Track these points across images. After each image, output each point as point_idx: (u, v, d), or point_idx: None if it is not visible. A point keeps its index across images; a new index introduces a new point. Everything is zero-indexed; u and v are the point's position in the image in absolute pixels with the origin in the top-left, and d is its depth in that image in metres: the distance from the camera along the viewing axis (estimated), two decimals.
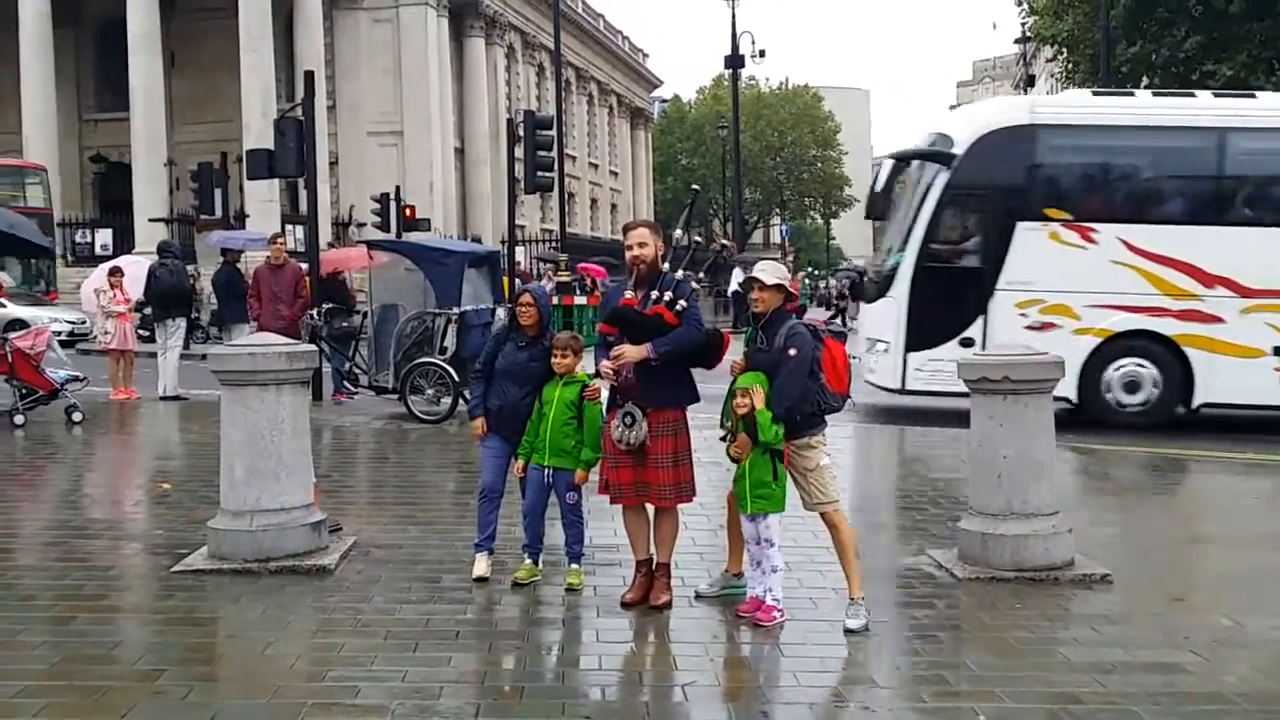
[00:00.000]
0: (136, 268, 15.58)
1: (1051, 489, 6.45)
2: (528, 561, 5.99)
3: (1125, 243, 11.67)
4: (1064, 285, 11.56)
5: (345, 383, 13.88)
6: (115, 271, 14.33)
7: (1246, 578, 6.39)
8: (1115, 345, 11.63)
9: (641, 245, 5.62)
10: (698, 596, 5.76)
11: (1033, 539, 6.28)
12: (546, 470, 5.81)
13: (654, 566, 5.74)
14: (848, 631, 5.26)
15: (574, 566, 5.92)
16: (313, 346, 7.11)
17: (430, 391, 12.00)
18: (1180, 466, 10.00)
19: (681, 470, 5.65)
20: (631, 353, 5.51)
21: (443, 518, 7.16)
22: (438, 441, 10.99)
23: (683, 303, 5.53)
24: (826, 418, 5.58)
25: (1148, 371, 11.65)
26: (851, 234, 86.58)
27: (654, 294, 5.56)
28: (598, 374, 5.81)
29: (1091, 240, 11.61)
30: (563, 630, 5.34)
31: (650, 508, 5.74)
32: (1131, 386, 11.66)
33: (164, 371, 13.93)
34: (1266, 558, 6.84)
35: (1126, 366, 11.68)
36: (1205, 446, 10.74)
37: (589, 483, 5.87)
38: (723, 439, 5.55)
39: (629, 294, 5.66)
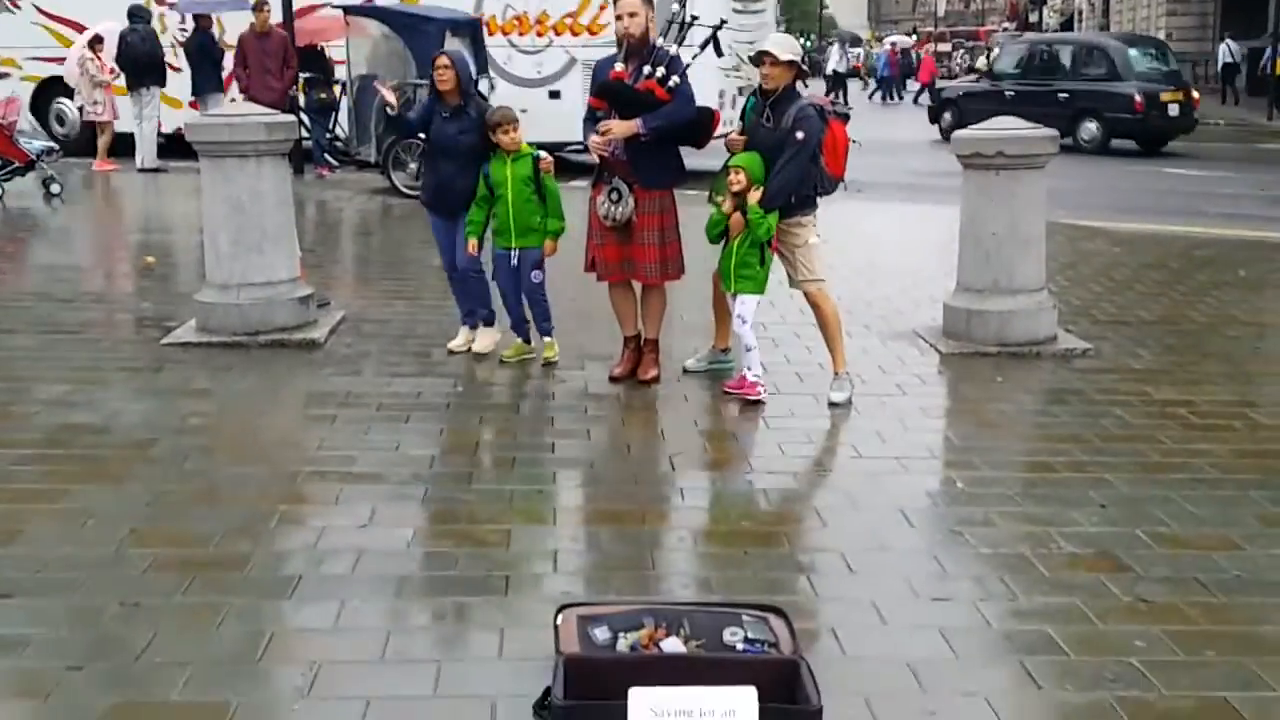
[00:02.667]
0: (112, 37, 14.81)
1: (1039, 265, 6.42)
2: (517, 340, 5.96)
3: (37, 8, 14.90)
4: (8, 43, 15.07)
5: (326, 156, 13.54)
6: (96, 41, 13.63)
7: (1230, 354, 6.43)
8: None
9: (632, 15, 5.32)
10: (685, 372, 5.78)
11: (1017, 314, 6.29)
12: (513, 252, 5.72)
13: (642, 342, 5.74)
14: (832, 404, 5.32)
15: (547, 340, 5.90)
16: (292, 117, 6.85)
17: (414, 166, 11.70)
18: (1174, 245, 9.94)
19: (668, 248, 5.57)
20: (620, 128, 5.31)
21: (430, 293, 7.10)
22: (422, 216, 10.72)
23: (675, 79, 5.29)
24: (819, 199, 5.45)
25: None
26: (845, 6, 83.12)
27: (645, 69, 5.30)
28: (585, 149, 5.64)
29: (17, 6, 15.21)
30: (552, 403, 5.36)
31: (638, 284, 5.68)
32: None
33: (141, 143, 13.49)
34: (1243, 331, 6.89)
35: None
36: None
37: (559, 262, 5.81)
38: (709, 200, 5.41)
39: (619, 67, 5.40)
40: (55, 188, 11.51)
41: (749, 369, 5.35)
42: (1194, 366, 6.14)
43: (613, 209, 5.40)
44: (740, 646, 2.96)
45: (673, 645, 2.95)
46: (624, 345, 5.79)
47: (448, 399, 5.38)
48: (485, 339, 6.09)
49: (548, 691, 2.77)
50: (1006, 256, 6.28)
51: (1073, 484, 4.44)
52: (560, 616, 3.06)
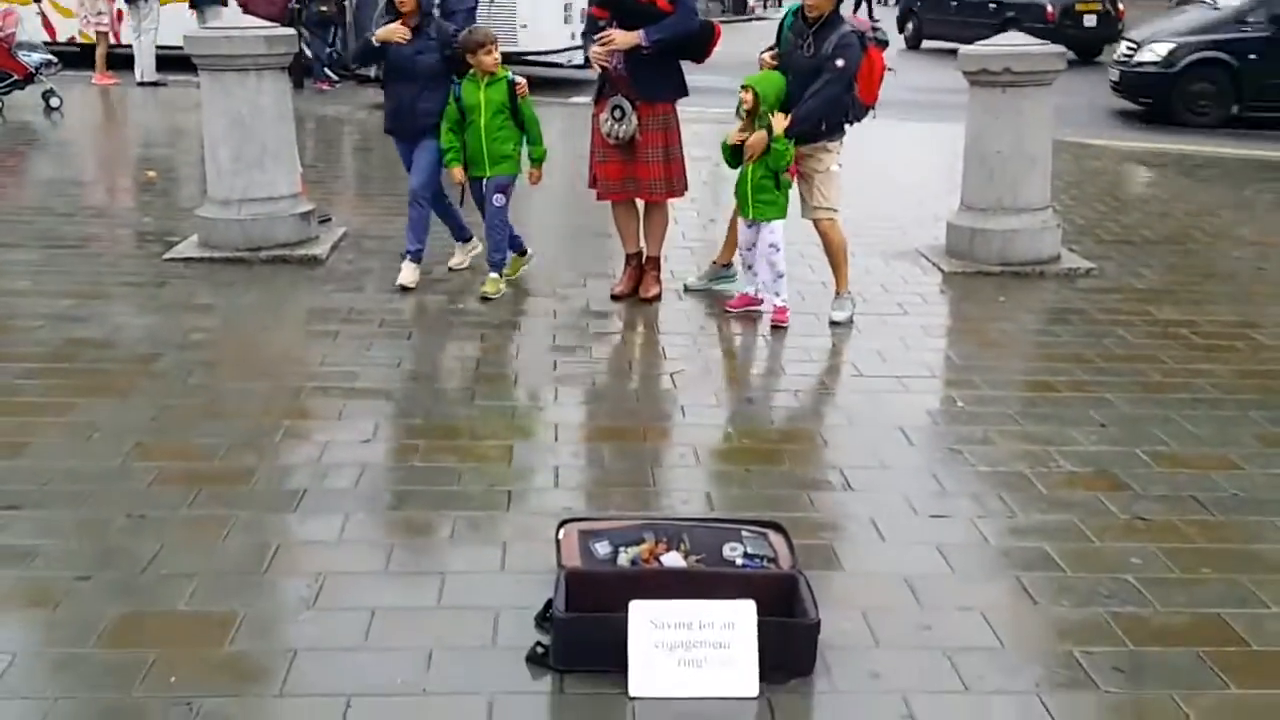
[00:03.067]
0: None
1: (1044, 183, 6.33)
2: (492, 274, 5.57)
3: None
4: None
5: (327, 70, 13.31)
6: None
7: (1233, 274, 6.38)
8: None
9: None
10: (686, 290, 5.73)
11: (1021, 234, 6.23)
12: (487, 182, 5.46)
13: (643, 260, 5.69)
14: (833, 323, 5.29)
15: (493, 275, 5.55)
16: (292, 31, 6.69)
17: None
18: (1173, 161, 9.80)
19: (672, 165, 5.48)
20: (621, 39, 5.19)
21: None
22: None
23: None
24: (848, 127, 5.32)
25: None
26: None
27: None
28: (588, 62, 5.53)
29: None
30: (554, 320, 5.33)
31: (640, 202, 5.61)
32: None
33: (140, 56, 13.25)
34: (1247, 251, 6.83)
35: None
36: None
37: (556, 180, 5.68)
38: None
39: None
40: (55, 101, 11.33)
41: (779, 295, 5.21)
42: (1197, 286, 6.09)
43: (616, 126, 5.30)
44: (739, 561, 2.97)
45: (673, 560, 2.97)
46: (626, 263, 5.74)
47: (449, 316, 5.35)
48: (460, 255, 5.99)
49: (549, 604, 2.78)
50: (1011, 175, 6.20)
51: (1073, 403, 4.43)
52: (561, 531, 3.07)
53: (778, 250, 5.19)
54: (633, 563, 2.95)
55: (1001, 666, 2.74)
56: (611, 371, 4.76)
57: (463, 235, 6.00)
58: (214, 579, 3.02)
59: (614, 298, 5.60)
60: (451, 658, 2.69)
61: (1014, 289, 5.93)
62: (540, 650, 2.69)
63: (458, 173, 5.48)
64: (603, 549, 2.99)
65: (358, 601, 2.94)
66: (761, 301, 5.36)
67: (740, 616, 2.63)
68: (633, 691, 2.55)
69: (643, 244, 5.69)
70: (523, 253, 5.87)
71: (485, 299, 5.50)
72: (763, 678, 2.58)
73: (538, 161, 5.51)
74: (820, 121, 5.12)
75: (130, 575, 3.03)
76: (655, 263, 5.68)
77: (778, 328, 5.17)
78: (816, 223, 5.38)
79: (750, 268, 5.37)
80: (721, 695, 2.56)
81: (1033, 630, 2.91)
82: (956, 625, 2.90)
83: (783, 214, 5.20)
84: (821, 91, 5.03)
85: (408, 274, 5.69)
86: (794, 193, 5.31)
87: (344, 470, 3.70)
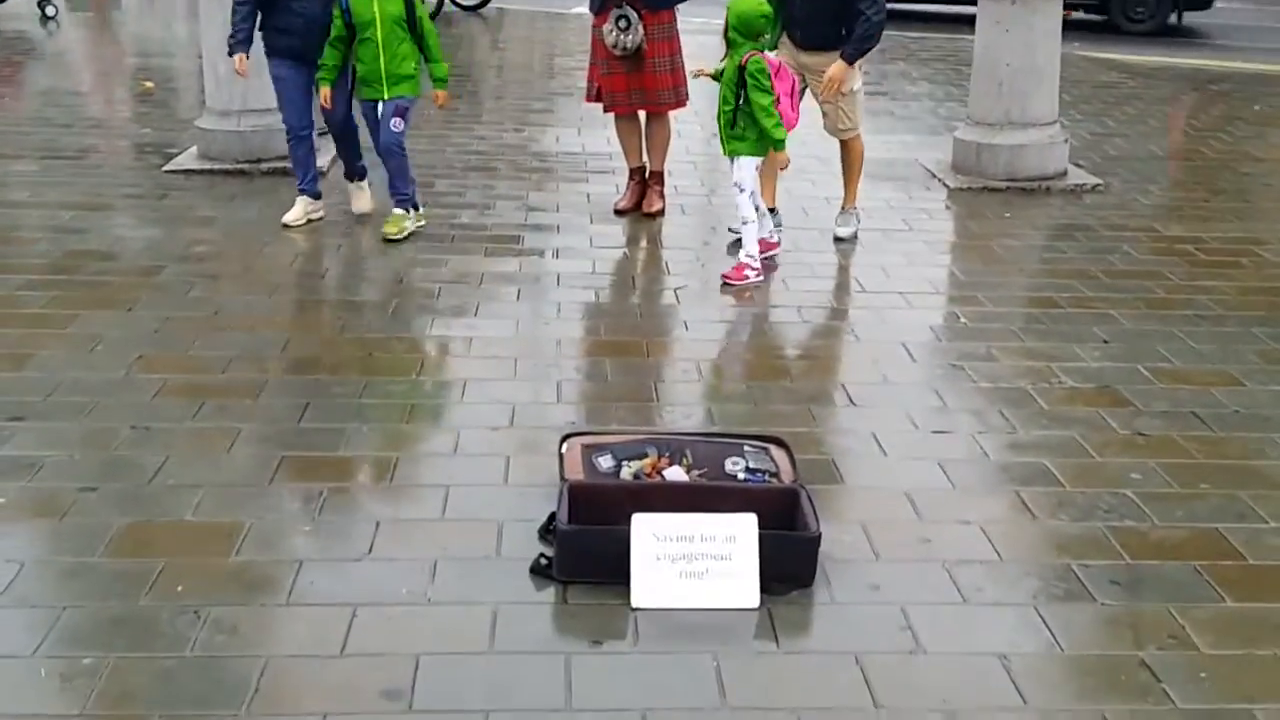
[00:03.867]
0: None
1: (1052, 98, 6.20)
2: (396, 211, 5.05)
3: None
4: None
5: None
6: None
7: (1241, 190, 6.29)
8: None
9: None
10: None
11: (1028, 149, 6.12)
12: (383, 105, 4.90)
13: (647, 174, 5.60)
14: (837, 239, 5.22)
15: (397, 211, 5.00)
16: None
17: None
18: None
19: (678, 73, 5.36)
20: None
21: (430, 123, 6.89)
22: None
23: None
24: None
25: None
26: None
27: None
28: None
29: None
30: (557, 235, 5.27)
31: (643, 115, 5.49)
32: None
33: None
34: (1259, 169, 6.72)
35: None
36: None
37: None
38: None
39: None
40: (51, 10, 11.08)
41: (743, 248, 4.66)
42: (1204, 203, 6.00)
43: (622, 37, 5.16)
44: (741, 475, 2.97)
45: (675, 474, 2.96)
46: (629, 178, 5.65)
47: (451, 231, 5.28)
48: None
49: (552, 516, 2.78)
50: (1020, 89, 6.06)
51: (1076, 319, 4.39)
52: (565, 445, 3.07)
53: (742, 190, 4.65)
54: (635, 477, 2.95)
55: (999, 579, 2.74)
56: (615, 286, 4.72)
57: (313, 186, 5.25)
58: (220, 490, 3.02)
59: (617, 213, 5.52)
60: (456, 569, 2.70)
61: (1020, 205, 5.85)
62: (543, 562, 2.69)
63: (325, 94, 4.91)
64: (606, 463, 2.99)
65: (362, 513, 2.94)
66: (777, 244, 4.97)
67: (742, 530, 2.62)
68: (635, 603, 2.56)
69: (645, 159, 5.59)
70: (415, 207, 5.13)
71: (388, 240, 4.90)
72: (764, 589, 2.59)
73: (441, 81, 4.93)
74: (872, 46, 4.89)
75: (136, 486, 3.03)
76: (659, 177, 5.59)
77: (727, 284, 4.59)
78: (844, 142, 5.21)
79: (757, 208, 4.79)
80: (723, 607, 2.57)
81: (1031, 544, 2.91)
82: (956, 538, 2.90)
83: (754, 151, 4.63)
84: (873, 18, 4.76)
85: (360, 200, 5.29)
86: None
87: (348, 384, 3.67)
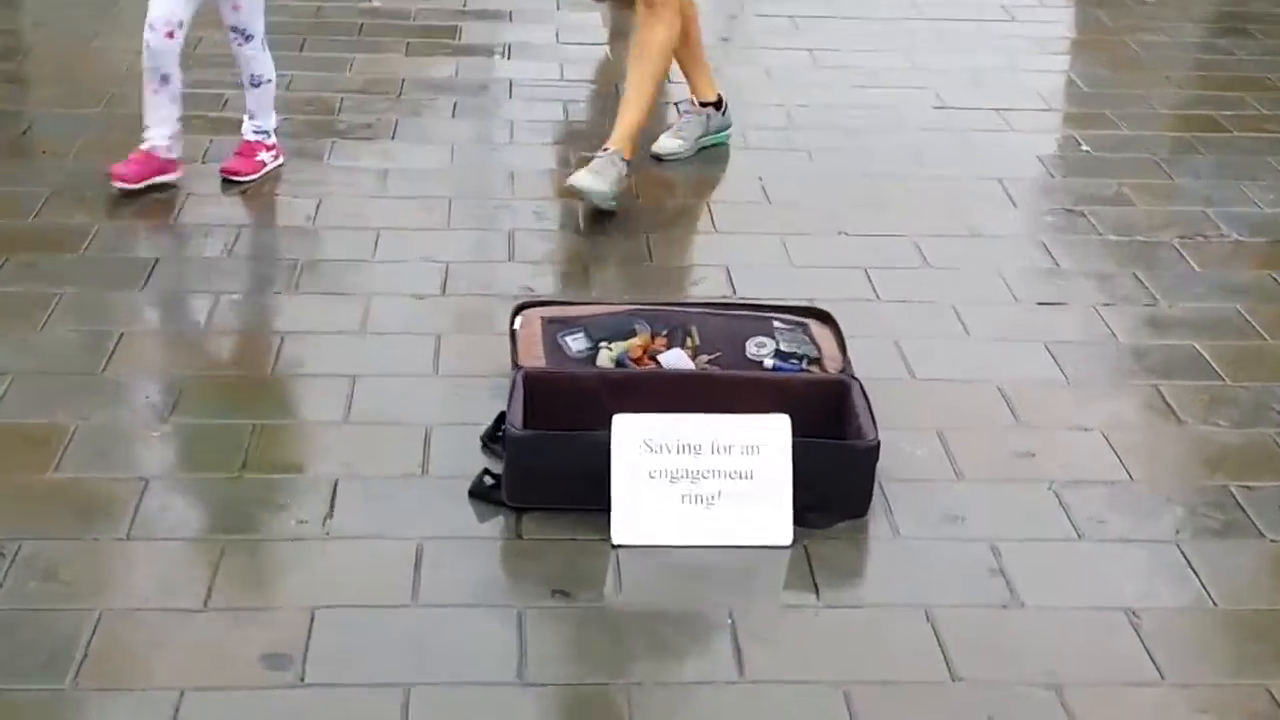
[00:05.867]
0: None
1: None
2: None
3: None
4: None
5: None
6: None
7: None
8: None
9: None
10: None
11: None
12: None
13: None
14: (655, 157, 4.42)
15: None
16: None
17: None
18: None
19: None
20: None
21: None
22: None
23: None
24: None
25: None
26: None
27: None
28: None
29: None
30: (510, 26, 5.25)
31: None
32: None
33: None
34: None
35: None
36: None
37: None
38: None
39: None
40: None
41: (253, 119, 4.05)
42: None
43: None
44: (769, 363, 2.94)
45: (676, 360, 2.94)
46: None
47: (362, 16, 5.26)
48: None
49: (502, 419, 2.75)
50: None
51: (1244, 147, 4.40)
52: (519, 319, 3.05)
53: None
54: (619, 363, 2.93)
55: (1129, 507, 2.74)
56: (592, 100, 4.70)
57: None
58: (32, 380, 2.99)
59: None
60: (365, 491, 2.68)
61: None
62: (488, 482, 2.68)
63: None
64: (577, 344, 2.98)
65: (234, 415, 2.91)
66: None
67: (769, 437, 2.60)
68: (616, 538, 2.55)
69: None
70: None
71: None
72: (798, 521, 2.58)
73: None
74: None
75: None
76: None
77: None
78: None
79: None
80: (741, 544, 2.56)
81: (1174, 459, 2.92)
82: (1069, 451, 2.90)
83: None
84: None
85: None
86: None
87: (215, 235, 3.66)
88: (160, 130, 3.83)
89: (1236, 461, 2.88)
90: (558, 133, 4.40)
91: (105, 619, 2.32)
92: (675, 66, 4.21)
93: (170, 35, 3.73)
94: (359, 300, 3.37)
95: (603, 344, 2.96)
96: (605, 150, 3.91)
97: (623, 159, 3.89)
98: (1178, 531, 2.67)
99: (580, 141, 4.31)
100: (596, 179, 3.82)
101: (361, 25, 5.17)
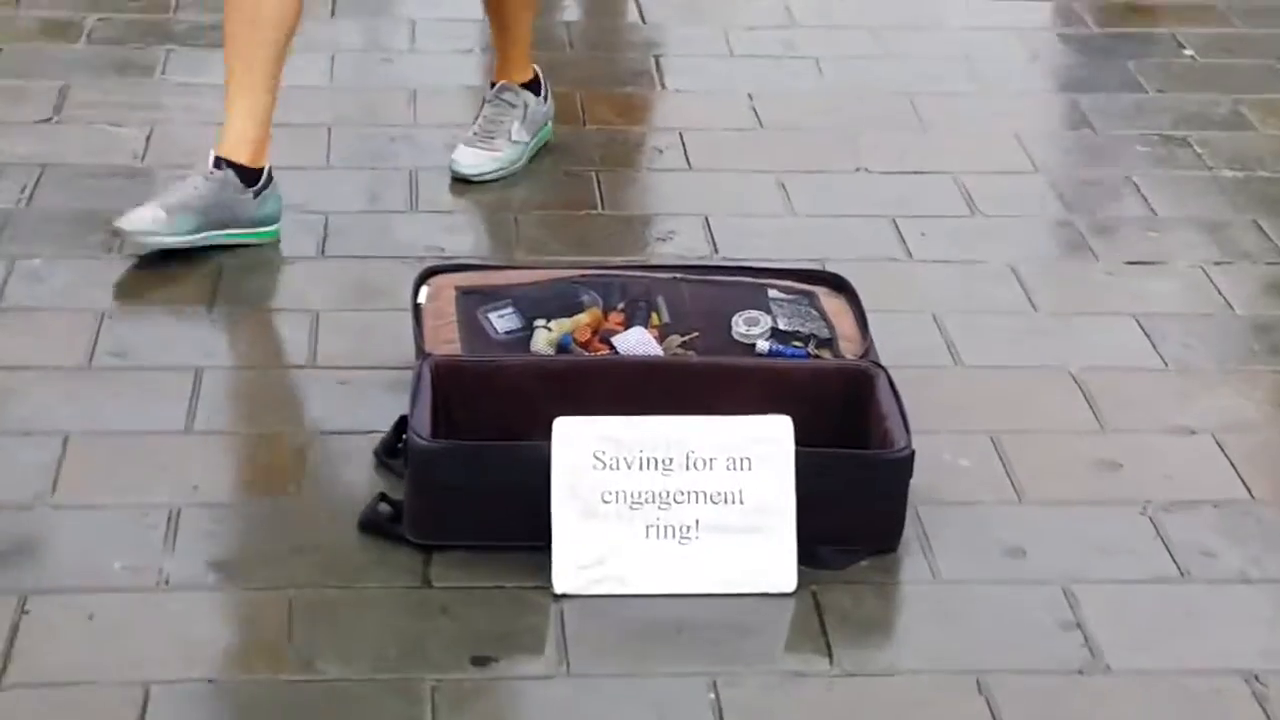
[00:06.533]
0: None
1: None
2: None
3: None
4: None
5: None
6: None
7: None
8: None
9: None
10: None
11: None
12: None
13: None
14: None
15: None
16: None
17: None
18: None
19: None
20: None
21: None
22: None
23: None
24: None
25: None
26: None
27: None
28: None
29: None
30: None
31: None
32: None
33: None
34: None
35: None
36: None
37: None
38: None
39: None
40: None
41: None
42: None
43: None
44: (764, 346, 2.95)
45: (637, 342, 2.95)
46: None
47: None
48: None
49: (402, 426, 2.74)
50: None
51: None
52: (426, 291, 3.06)
53: None
54: (561, 348, 2.93)
55: (1251, 535, 2.76)
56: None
57: None
58: None
59: None
60: (213, 525, 2.68)
61: None
62: (386, 511, 2.68)
63: None
64: (504, 323, 3.00)
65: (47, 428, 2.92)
66: None
67: (764, 446, 2.60)
68: (559, 585, 2.55)
69: None
70: None
71: None
72: (804, 559, 2.58)
73: None
74: None
75: None
76: None
77: None
78: None
79: None
80: (727, 590, 2.56)
81: None
82: (1168, 462, 2.92)
83: None
84: None
85: None
86: None
87: (7, 178, 3.67)
88: None
89: None
90: (476, 36, 4.38)
91: None
92: None
93: None
94: (207, 268, 3.37)
95: (539, 323, 2.97)
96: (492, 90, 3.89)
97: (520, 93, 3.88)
98: None
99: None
100: (478, 155, 3.81)
101: None
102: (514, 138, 3.86)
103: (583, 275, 3.12)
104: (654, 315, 3.00)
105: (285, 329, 3.19)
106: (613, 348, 2.94)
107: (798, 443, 2.60)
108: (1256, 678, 2.43)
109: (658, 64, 4.30)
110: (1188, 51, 4.43)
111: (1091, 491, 2.85)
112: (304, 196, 3.62)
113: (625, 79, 4.25)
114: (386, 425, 2.82)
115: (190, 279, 3.35)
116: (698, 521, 2.58)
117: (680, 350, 2.94)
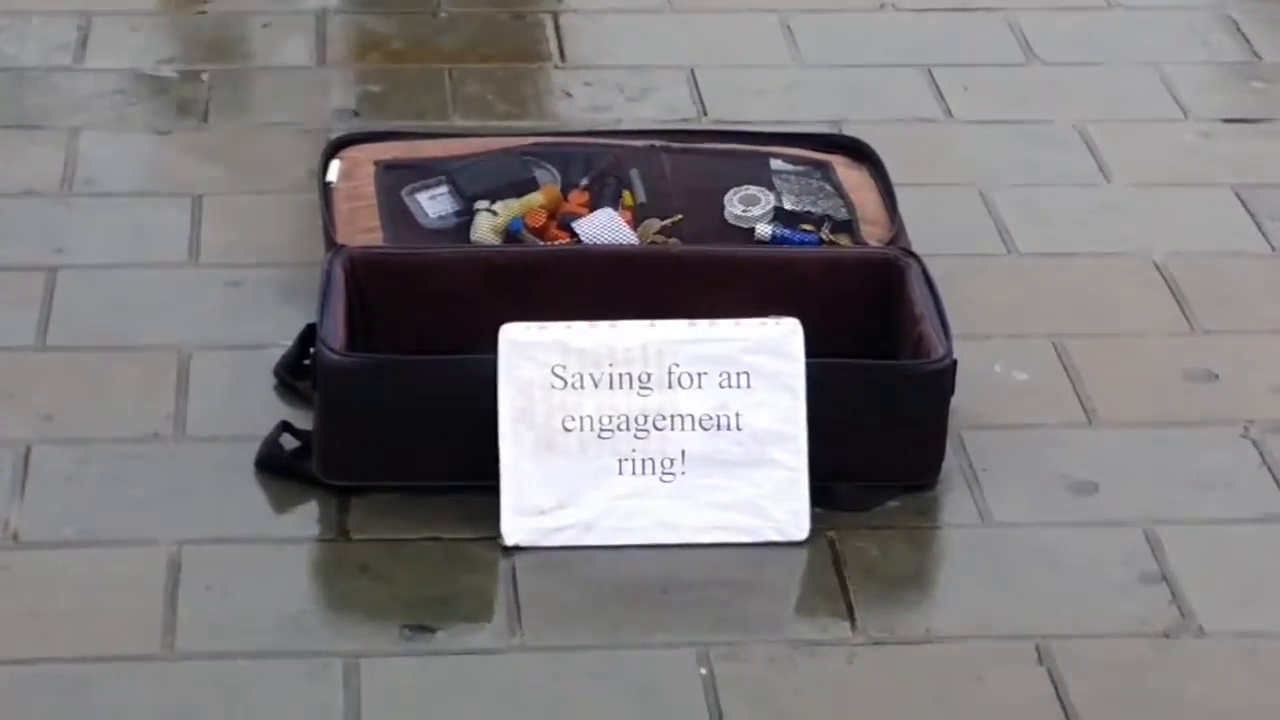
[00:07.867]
0: None
1: None
2: None
3: None
4: None
5: None
6: None
7: None
8: None
9: None
10: None
11: None
12: None
13: None
14: None
15: None
16: None
17: None
18: None
19: None
20: None
21: None
22: None
23: None
24: None
25: None
26: None
27: None
28: None
29: None
30: None
31: None
32: None
33: None
34: None
35: None
36: None
37: None
38: None
39: None
40: None
41: None
42: None
43: None
44: (765, 230, 2.97)
45: (605, 228, 2.96)
46: None
47: None
48: None
49: (310, 336, 2.74)
50: None
51: None
52: (337, 166, 3.08)
53: None
54: (509, 235, 2.95)
55: None
56: None
57: None
58: None
59: None
60: (74, 468, 2.69)
61: None
62: (291, 445, 2.70)
63: None
64: (437, 206, 3.03)
65: None
66: None
67: (766, 356, 2.61)
68: (509, 537, 2.56)
69: None
70: None
71: None
72: (819, 499, 2.60)
73: None
74: None
75: None
76: None
77: None
78: None
79: None
80: (721, 540, 2.58)
81: None
82: (1277, 368, 2.94)
83: None
84: None
85: None
86: None
87: None
88: None
89: None
90: None
91: None
92: None
93: None
94: (57, 138, 3.38)
95: (481, 205, 2.98)
96: None
97: None
98: None
99: None
100: None
101: None
102: None
103: (536, 144, 3.13)
104: (626, 194, 3.01)
105: (156, 219, 3.18)
106: (574, 235, 2.94)
107: (809, 352, 2.61)
108: None
109: None
110: None
111: (1180, 410, 2.87)
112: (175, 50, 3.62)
113: None
114: (289, 337, 2.84)
115: (43, 154, 3.35)
116: (683, 453, 2.59)
117: (660, 237, 2.95)
